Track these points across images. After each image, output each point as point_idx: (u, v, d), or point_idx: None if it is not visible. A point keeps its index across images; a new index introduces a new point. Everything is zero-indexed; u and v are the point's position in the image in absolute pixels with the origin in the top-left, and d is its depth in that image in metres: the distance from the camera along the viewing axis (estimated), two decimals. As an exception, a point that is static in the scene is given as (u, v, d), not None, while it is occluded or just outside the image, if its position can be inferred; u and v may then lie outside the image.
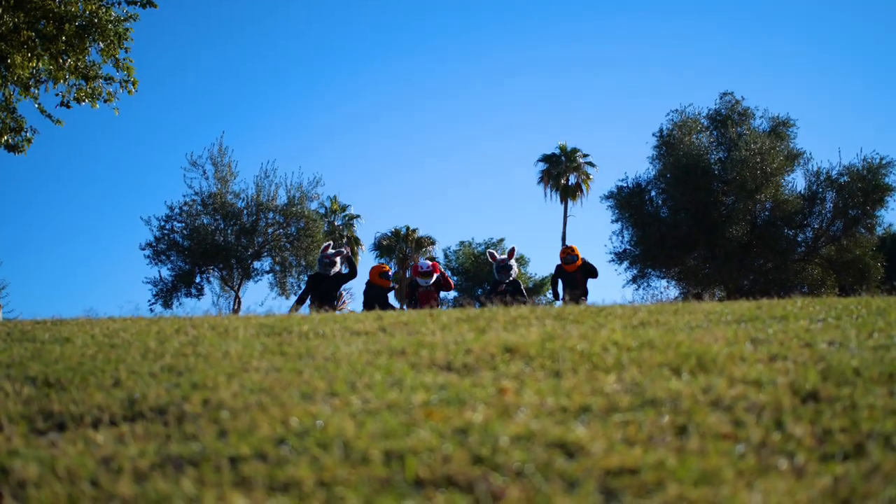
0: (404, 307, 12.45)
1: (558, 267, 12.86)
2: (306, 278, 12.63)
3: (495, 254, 12.63)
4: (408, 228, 45.40)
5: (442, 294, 12.80)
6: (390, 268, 12.31)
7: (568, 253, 12.87)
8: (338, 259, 12.32)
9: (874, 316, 3.59)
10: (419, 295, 12.35)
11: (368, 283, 12.57)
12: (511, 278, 12.28)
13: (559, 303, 11.98)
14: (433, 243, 44.32)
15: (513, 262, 12.39)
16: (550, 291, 11.80)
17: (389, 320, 3.97)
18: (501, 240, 42.65)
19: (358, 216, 43.62)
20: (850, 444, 1.66)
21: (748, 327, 3.25)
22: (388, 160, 77.93)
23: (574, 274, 12.66)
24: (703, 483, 1.45)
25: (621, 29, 75.43)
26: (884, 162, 25.25)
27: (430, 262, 12.64)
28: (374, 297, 12.34)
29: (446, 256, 45.77)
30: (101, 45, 11.75)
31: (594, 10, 79.48)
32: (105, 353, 3.12)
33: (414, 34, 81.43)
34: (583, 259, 12.78)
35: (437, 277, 12.45)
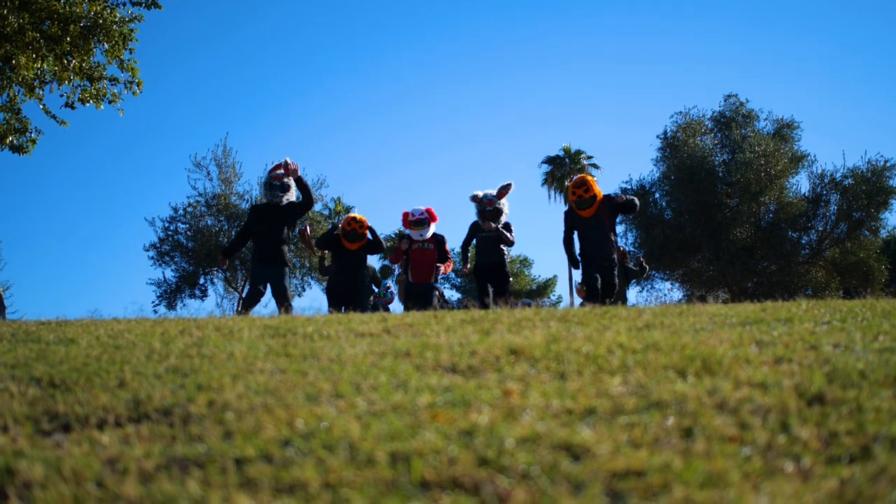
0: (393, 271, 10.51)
1: (569, 213, 8.87)
2: (248, 210, 9.31)
3: (479, 194, 9.28)
4: (412, 231, 45.46)
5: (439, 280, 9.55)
6: (367, 225, 9.51)
7: (579, 191, 8.60)
8: (292, 183, 8.98)
9: (879, 318, 3.58)
10: (412, 256, 9.34)
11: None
12: (499, 224, 9.13)
13: (579, 274, 8.71)
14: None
15: (503, 202, 9.17)
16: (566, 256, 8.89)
17: (394, 322, 3.97)
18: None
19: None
20: (856, 447, 1.66)
21: (753, 330, 3.25)
22: (391, 162, 77.99)
23: (594, 222, 8.57)
24: (709, 485, 1.45)
25: (625, 31, 75.47)
26: (888, 165, 25.23)
27: (423, 209, 9.44)
28: (334, 253, 9.49)
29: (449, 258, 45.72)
30: (106, 46, 11.76)
31: (598, 12, 79.49)
32: (110, 354, 3.12)
33: (417, 35, 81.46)
34: (605, 196, 8.68)
35: (435, 233, 9.43)
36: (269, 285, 8.89)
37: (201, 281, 27.04)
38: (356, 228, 9.41)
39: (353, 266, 9.53)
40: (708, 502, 1.37)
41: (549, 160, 45.81)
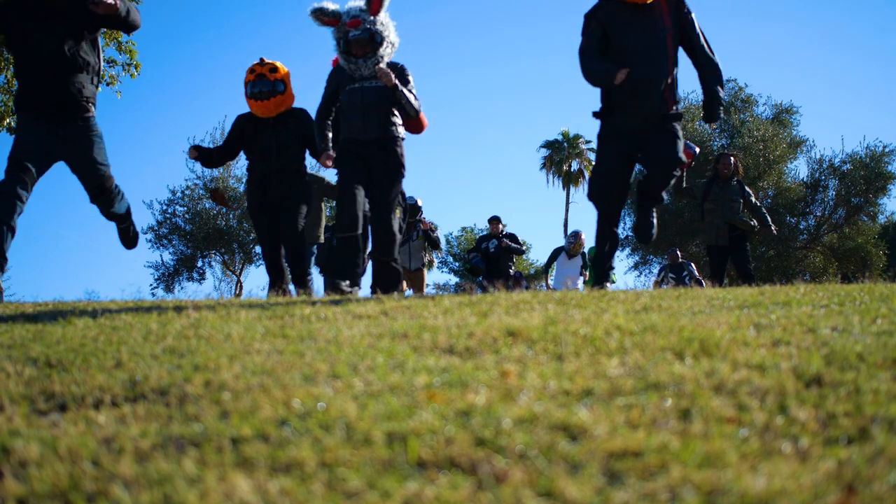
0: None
1: (599, 6, 5.24)
2: None
3: (329, 7, 5.31)
4: (410, 214, 45.39)
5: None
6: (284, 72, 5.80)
7: None
8: None
9: (877, 302, 3.58)
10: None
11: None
12: (380, 61, 5.27)
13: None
14: (435, 229, 44.28)
15: (382, 21, 5.30)
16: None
17: (391, 304, 3.96)
18: (504, 226, 42.55)
19: (360, 201, 43.47)
20: (853, 429, 1.65)
21: (751, 313, 3.25)
22: (390, 145, 77.85)
23: (646, 22, 5.26)
24: (706, 466, 1.44)
25: (625, 15, 75.19)
26: (886, 150, 25.25)
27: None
28: (247, 146, 6.07)
29: (448, 242, 45.72)
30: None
31: (598, -4, 79.24)
32: (107, 335, 3.11)
33: (413, 18, 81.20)
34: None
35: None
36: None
37: (199, 264, 27.03)
38: (264, 73, 5.64)
39: (281, 148, 5.71)
40: (705, 482, 1.36)
41: (548, 144, 45.74)
